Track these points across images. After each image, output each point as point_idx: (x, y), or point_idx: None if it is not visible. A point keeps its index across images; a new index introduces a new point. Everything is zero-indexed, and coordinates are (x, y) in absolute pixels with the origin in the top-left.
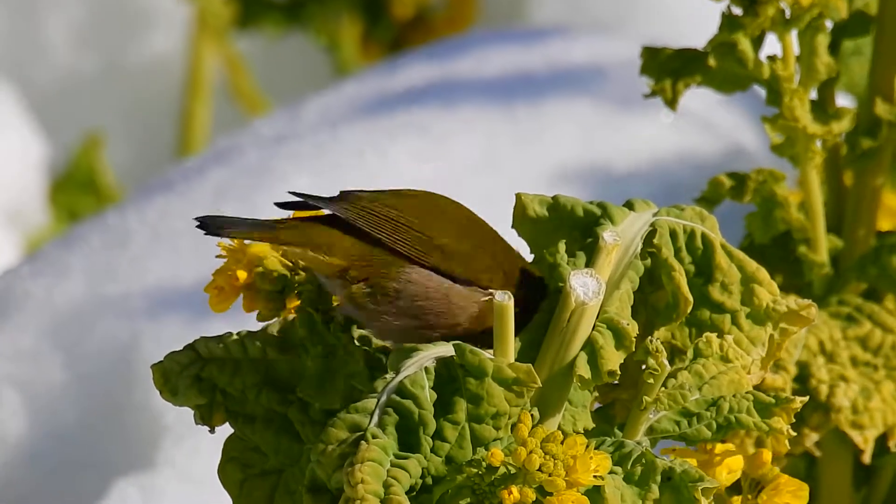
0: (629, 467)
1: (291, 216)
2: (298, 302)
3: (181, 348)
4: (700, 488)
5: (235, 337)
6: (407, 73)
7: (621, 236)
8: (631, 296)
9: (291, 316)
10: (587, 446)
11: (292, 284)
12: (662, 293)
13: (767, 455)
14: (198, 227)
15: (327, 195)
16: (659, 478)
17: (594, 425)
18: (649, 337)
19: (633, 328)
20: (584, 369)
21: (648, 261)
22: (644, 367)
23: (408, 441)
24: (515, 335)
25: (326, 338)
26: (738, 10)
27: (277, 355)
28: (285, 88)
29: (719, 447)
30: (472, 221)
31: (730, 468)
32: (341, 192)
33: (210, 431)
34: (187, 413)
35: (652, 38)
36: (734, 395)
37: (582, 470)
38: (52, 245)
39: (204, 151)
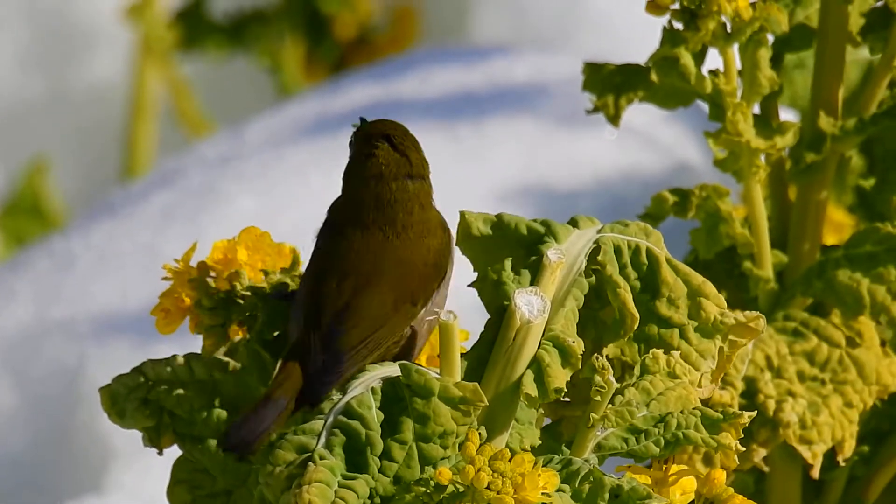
0: (577, 485)
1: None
2: (240, 332)
3: (128, 371)
4: None
5: (182, 359)
6: (350, 93)
7: (566, 254)
8: (576, 313)
9: (238, 338)
10: (535, 464)
11: (232, 315)
12: (610, 309)
13: (721, 475)
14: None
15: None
16: (607, 495)
17: (541, 443)
18: (596, 354)
19: (578, 346)
20: (530, 387)
21: (593, 278)
22: (591, 384)
23: (355, 461)
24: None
25: (269, 371)
26: (679, 25)
27: (223, 376)
28: (229, 110)
29: (674, 467)
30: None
31: (683, 489)
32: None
33: (158, 453)
34: (136, 436)
35: (595, 53)
36: (682, 411)
37: (530, 487)
38: None
39: (149, 174)
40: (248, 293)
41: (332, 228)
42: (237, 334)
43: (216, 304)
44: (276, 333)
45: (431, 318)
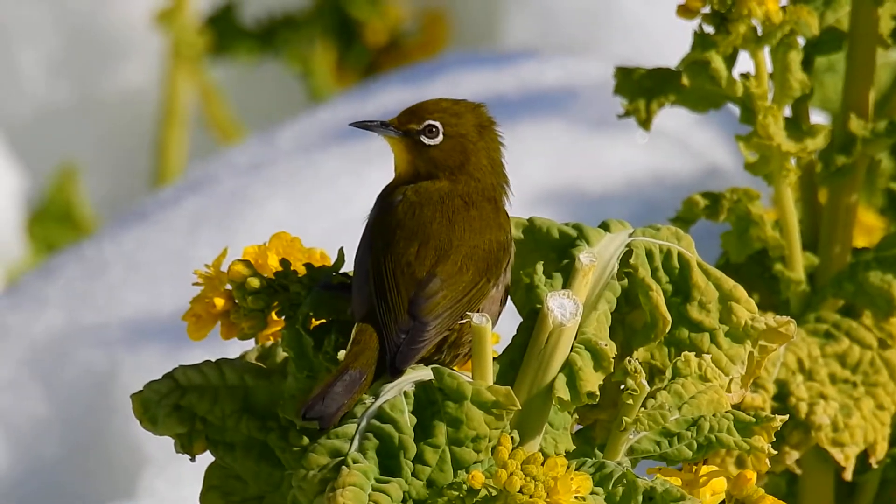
0: (610, 488)
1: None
2: (279, 322)
3: (160, 377)
4: None
5: (214, 364)
6: (381, 97)
7: (597, 257)
8: (608, 316)
9: (269, 343)
10: (568, 468)
11: (273, 303)
12: (640, 313)
13: (751, 475)
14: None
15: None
16: (640, 498)
17: (575, 447)
18: (628, 357)
19: (611, 349)
20: (563, 391)
21: (625, 281)
22: (623, 387)
23: (388, 465)
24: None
25: (311, 359)
26: (710, 29)
27: (256, 382)
28: (260, 116)
29: (704, 468)
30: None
31: (714, 489)
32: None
33: (191, 460)
34: (168, 442)
35: (626, 57)
36: (714, 415)
37: (563, 491)
38: (30, 277)
39: (179, 180)
40: (294, 281)
41: (397, 204)
42: (273, 328)
43: (260, 288)
44: (317, 323)
45: (501, 299)
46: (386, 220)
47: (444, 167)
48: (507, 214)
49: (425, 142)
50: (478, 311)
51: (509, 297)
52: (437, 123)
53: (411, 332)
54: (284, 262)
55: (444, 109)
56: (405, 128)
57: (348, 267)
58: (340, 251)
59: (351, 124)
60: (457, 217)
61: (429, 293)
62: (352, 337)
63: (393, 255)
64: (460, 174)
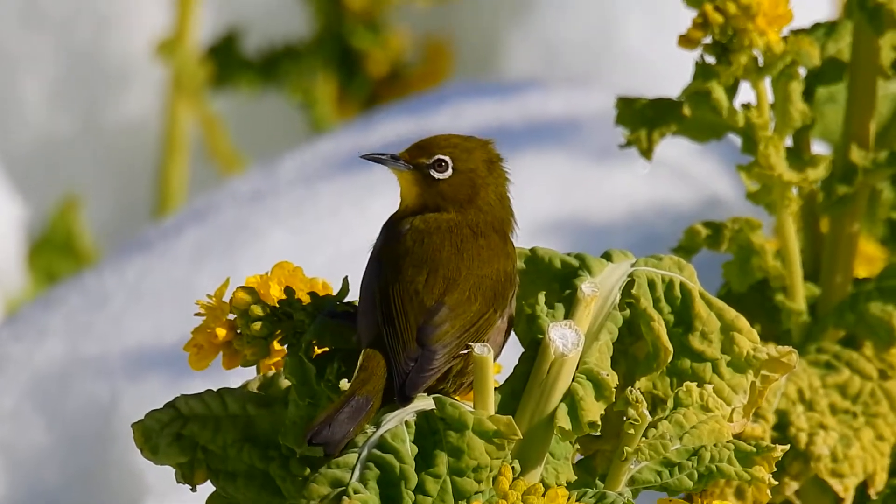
0: None
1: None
2: (282, 350)
3: (161, 406)
4: None
5: (215, 394)
6: (383, 128)
7: (599, 287)
8: (610, 346)
9: (271, 372)
10: (569, 498)
11: (277, 331)
12: (642, 343)
13: None
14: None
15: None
16: None
17: (576, 477)
18: (629, 387)
19: (612, 379)
20: (564, 421)
21: (627, 311)
22: (625, 417)
23: (390, 495)
24: None
25: (313, 386)
26: (711, 59)
27: (257, 411)
28: (261, 146)
29: (706, 499)
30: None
31: None
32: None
33: (192, 489)
34: (169, 471)
35: (628, 88)
36: (715, 445)
37: None
38: (32, 307)
39: (181, 211)
40: (298, 309)
41: (405, 233)
42: (275, 357)
43: (264, 315)
44: (320, 351)
45: (506, 330)
46: (394, 248)
47: (452, 201)
48: (513, 246)
49: (435, 176)
50: (484, 342)
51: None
52: (447, 158)
53: (420, 359)
54: (288, 290)
55: (454, 145)
56: (415, 162)
57: (352, 296)
58: (345, 280)
59: (362, 156)
60: (465, 246)
61: (437, 322)
62: (359, 363)
63: (401, 283)
64: (469, 207)
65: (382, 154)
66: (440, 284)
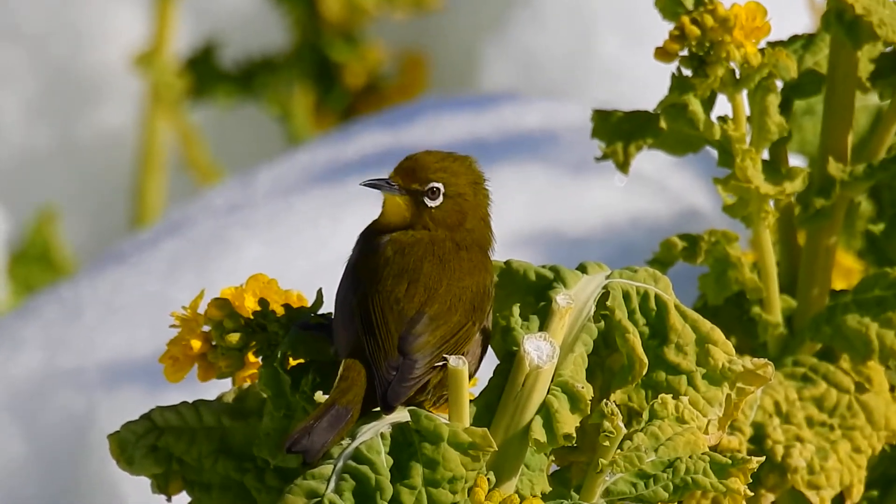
0: None
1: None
2: (257, 362)
3: (137, 418)
4: None
5: (191, 406)
6: (359, 141)
7: (574, 299)
8: (585, 359)
9: (246, 384)
10: None
11: (251, 342)
12: (618, 356)
13: None
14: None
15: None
16: None
17: (551, 488)
18: (605, 399)
19: (587, 391)
20: (539, 433)
21: (602, 323)
22: (600, 429)
23: None
24: None
25: (288, 398)
26: (688, 72)
27: (232, 423)
28: (238, 158)
29: None
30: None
31: None
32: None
33: (167, 500)
34: (144, 483)
35: (605, 101)
36: (690, 457)
37: None
38: (8, 318)
39: (157, 223)
40: (273, 321)
41: (384, 244)
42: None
43: (238, 328)
44: (295, 363)
45: (483, 342)
46: (372, 259)
47: (441, 224)
48: (491, 262)
49: (427, 203)
50: (464, 353)
51: None
52: (440, 185)
53: (401, 369)
54: (263, 302)
55: (444, 169)
56: (409, 188)
57: (327, 308)
58: (319, 292)
59: (361, 183)
60: (448, 257)
61: (418, 331)
62: (339, 373)
63: (381, 293)
64: (455, 231)
65: (379, 180)
66: (421, 294)
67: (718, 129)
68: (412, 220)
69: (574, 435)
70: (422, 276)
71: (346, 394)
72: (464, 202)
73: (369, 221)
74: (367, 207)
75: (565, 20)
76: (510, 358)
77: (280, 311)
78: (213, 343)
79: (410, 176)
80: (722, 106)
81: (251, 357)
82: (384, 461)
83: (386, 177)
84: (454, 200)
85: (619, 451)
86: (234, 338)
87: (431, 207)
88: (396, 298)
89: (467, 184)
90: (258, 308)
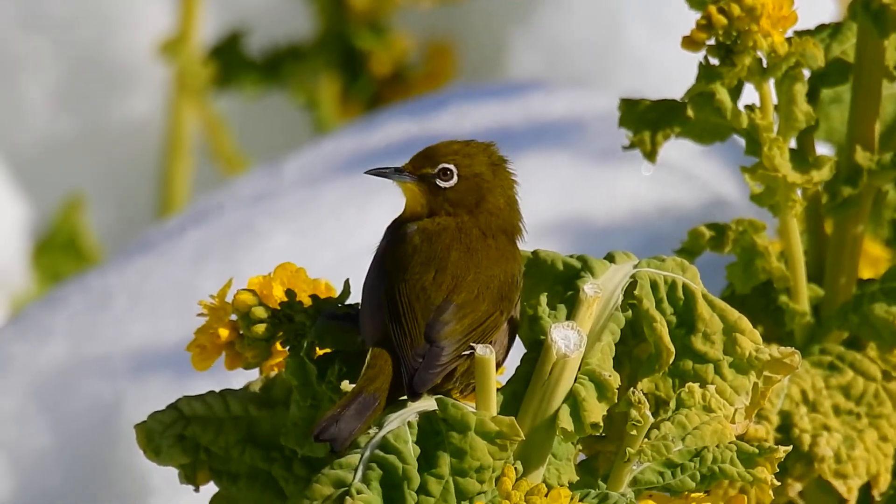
0: None
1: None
2: (283, 352)
3: (164, 408)
4: None
5: (218, 395)
6: (386, 129)
7: (602, 288)
8: (612, 347)
9: (273, 373)
10: (571, 499)
11: (278, 333)
12: (646, 345)
13: (742, 501)
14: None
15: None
16: None
17: (578, 478)
18: (632, 388)
19: (615, 380)
20: (566, 422)
21: (630, 312)
22: (627, 418)
23: (392, 496)
24: None
25: (314, 387)
26: (715, 61)
27: (259, 412)
28: (264, 147)
29: (697, 495)
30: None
31: None
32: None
33: (195, 490)
34: (172, 472)
35: (632, 90)
36: (717, 446)
37: None
38: (35, 307)
39: (184, 211)
40: (300, 311)
41: (412, 233)
42: (277, 358)
43: (265, 318)
44: (321, 353)
45: (510, 332)
46: (400, 248)
47: (460, 207)
48: (519, 249)
49: (440, 185)
50: (491, 343)
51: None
52: (451, 166)
53: (427, 356)
54: (290, 293)
55: (455, 151)
56: (420, 172)
57: (354, 298)
58: (346, 282)
59: (367, 172)
60: (475, 245)
61: (445, 319)
62: (366, 361)
63: (408, 282)
64: (477, 213)
65: (386, 168)
66: (448, 282)
67: (746, 118)
68: (430, 206)
69: (601, 424)
70: (449, 264)
71: (374, 382)
72: (481, 181)
73: (396, 210)
74: (393, 196)
75: (592, 9)
76: (537, 347)
77: (307, 301)
78: (241, 332)
79: (423, 161)
80: (749, 95)
81: (278, 346)
82: (411, 450)
83: (395, 165)
84: (470, 181)
85: (646, 440)
86: (261, 328)
87: (445, 189)
88: (423, 287)
89: (485, 165)
90: (286, 297)
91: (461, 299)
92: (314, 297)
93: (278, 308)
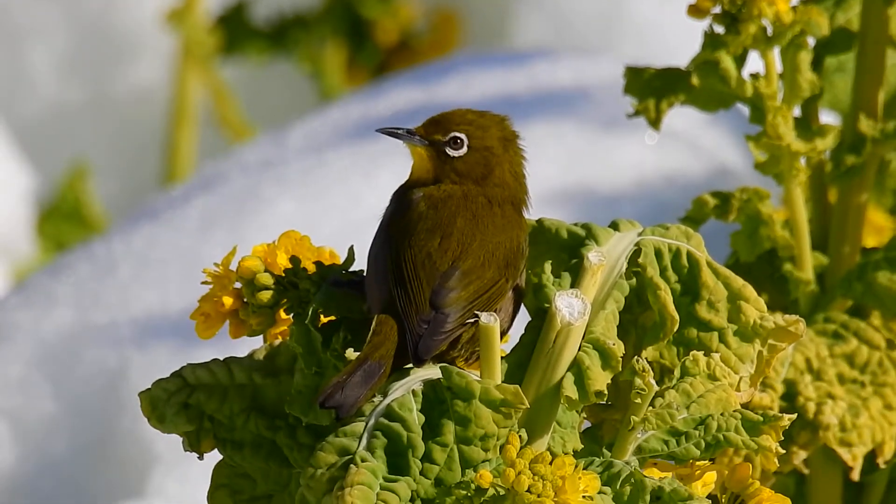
0: (618, 487)
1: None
2: (287, 320)
3: (169, 375)
4: None
5: (222, 363)
6: (392, 97)
7: (606, 256)
8: (616, 316)
9: (278, 341)
10: (576, 467)
11: (283, 300)
12: (650, 313)
13: (747, 469)
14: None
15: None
16: (648, 497)
17: (582, 446)
18: (636, 357)
19: (619, 348)
20: (571, 390)
21: (634, 280)
22: (632, 386)
23: (397, 464)
24: None
25: (319, 355)
26: (720, 29)
27: (264, 380)
28: (270, 115)
29: (698, 463)
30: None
31: (705, 482)
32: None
33: (199, 458)
34: (177, 440)
35: (638, 57)
36: (722, 414)
37: (571, 490)
38: (40, 275)
39: (190, 179)
40: (304, 278)
41: (418, 200)
42: (281, 326)
43: (270, 285)
44: (326, 320)
45: (516, 300)
46: (406, 214)
47: (467, 177)
48: (525, 220)
49: (450, 153)
50: (496, 310)
51: None
52: (463, 135)
53: (432, 323)
54: (294, 260)
55: (469, 122)
56: (431, 138)
57: (359, 265)
58: (351, 249)
59: (378, 130)
60: (481, 213)
61: (451, 286)
62: (372, 328)
63: (413, 248)
64: (483, 184)
65: (398, 128)
66: (454, 249)
67: (750, 86)
68: (436, 173)
69: (605, 392)
70: (455, 230)
71: (379, 349)
72: (490, 155)
73: (401, 178)
74: (399, 164)
75: None
76: (542, 315)
77: (311, 268)
78: (245, 300)
79: (435, 127)
80: (754, 63)
81: (282, 314)
82: (416, 418)
83: (407, 127)
84: (480, 153)
85: (650, 408)
86: (266, 295)
87: (454, 158)
88: (428, 253)
89: (496, 138)
90: (290, 265)
91: (467, 266)
92: (318, 263)
93: (283, 275)
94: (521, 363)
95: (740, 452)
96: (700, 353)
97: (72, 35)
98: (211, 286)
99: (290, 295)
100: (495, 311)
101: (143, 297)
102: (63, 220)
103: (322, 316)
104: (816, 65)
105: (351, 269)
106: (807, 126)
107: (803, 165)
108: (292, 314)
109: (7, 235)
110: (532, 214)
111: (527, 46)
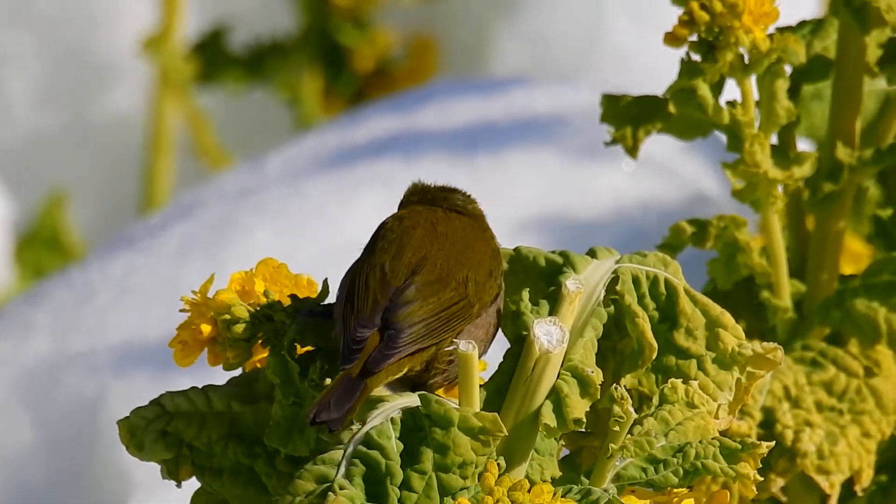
0: None
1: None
2: (265, 351)
3: (147, 403)
4: None
5: (200, 391)
6: (369, 125)
7: (584, 284)
8: (595, 343)
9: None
10: (554, 494)
11: (258, 333)
12: (629, 340)
13: (725, 497)
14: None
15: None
16: None
17: (561, 473)
18: (615, 384)
19: (597, 376)
20: (549, 418)
21: (612, 308)
22: (610, 414)
23: (375, 491)
24: None
25: (297, 385)
26: (697, 57)
27: (242, 408)
28: (247, 143)
29: (677, 490)
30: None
31: None
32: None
33: (177, 486)
34: (155, 468)
35: (615, 85)
36: (700, 441)
37: None
38: (18, 303)
39: (167, 207)
40: (279, 311)
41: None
42: (255, 365)
43: (244, 319)
44: (303, 350)
45: (492, 325)
46: (373, 237)
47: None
48: (493, 235)
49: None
50: (460, 332)
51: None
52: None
53: (386, 338)
54: (268, 293)
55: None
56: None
57: (333, 297)
58: (325, 282)
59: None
60: (441, 229)
61: (405, 300)
62: None
63: (369, 264)
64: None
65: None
66: (410, 262)
67: (727, 114)
68: None
69: (584, 419)
70: (410, 244)
71: (356, 366)
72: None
73: (380, 207)
74: (377, 194)
75: (576, 4)
76: (520, 342)
77: (286, 299)
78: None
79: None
80: (731, 91)
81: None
82: (394, 446)
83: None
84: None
85: (629, 435)
86: (240, 328)
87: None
88: (381, 266)
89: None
90: (265, 297)
91: (423, 280)
92: (293, 296)
93: (260, 305)
94: (499, 391)
95: (718, 480)
96: (678, 381)
97: (49, 62)
98: (189, 314)
99: (265, 327)
100: (464, 333)
101: (121, 324)
102: (41, 248)
103: (299, 347)
104: (793, 92)
105: (327, 301)
106: (784, 153)
107: (780, 193)
108: (269, 346)
109: None
110: (508, 240)
111: (505, 73)
